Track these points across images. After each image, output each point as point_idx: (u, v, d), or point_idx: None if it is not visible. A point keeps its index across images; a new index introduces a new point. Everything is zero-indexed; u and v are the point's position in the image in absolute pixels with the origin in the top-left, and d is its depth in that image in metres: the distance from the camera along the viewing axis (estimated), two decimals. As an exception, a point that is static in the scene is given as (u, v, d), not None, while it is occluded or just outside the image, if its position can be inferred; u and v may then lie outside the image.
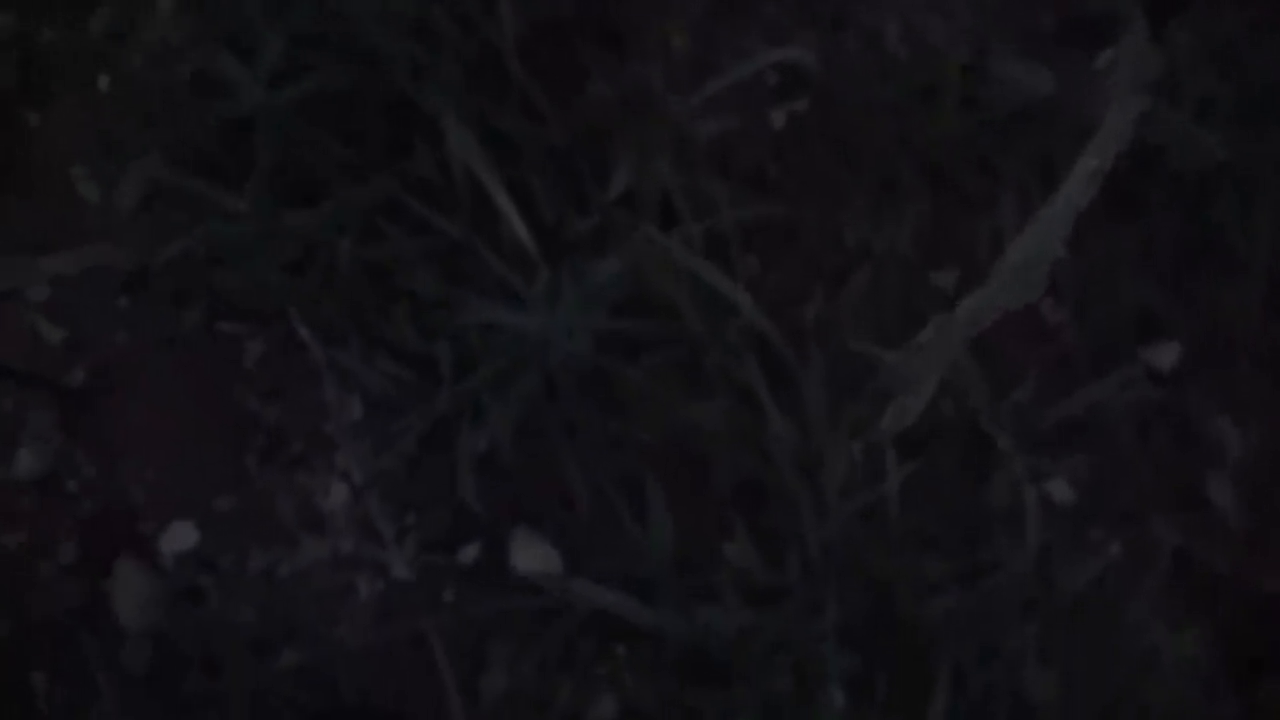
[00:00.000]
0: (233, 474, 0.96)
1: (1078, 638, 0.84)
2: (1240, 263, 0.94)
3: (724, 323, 0.83)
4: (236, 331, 0.98)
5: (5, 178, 1.00)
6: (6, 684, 0.92)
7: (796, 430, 0.88)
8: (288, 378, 0.97)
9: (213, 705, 0.92)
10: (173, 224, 0.94)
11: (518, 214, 0.91)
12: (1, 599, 0.92)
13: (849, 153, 1.00)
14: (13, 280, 0.94)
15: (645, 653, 0.89)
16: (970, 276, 0.92)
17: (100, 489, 0.95)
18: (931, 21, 0.96)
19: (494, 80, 0.95)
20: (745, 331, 0.83)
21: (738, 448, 0.89)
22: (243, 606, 0.94)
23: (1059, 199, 0.84)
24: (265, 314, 0.98)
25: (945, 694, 0.80)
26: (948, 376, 0.85)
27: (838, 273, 0.95)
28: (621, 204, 0.89)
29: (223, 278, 0.96)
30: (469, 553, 0.95)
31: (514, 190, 0.91)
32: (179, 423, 0.96)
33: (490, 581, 0.94)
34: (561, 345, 0.84)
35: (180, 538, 0.94)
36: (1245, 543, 0.91)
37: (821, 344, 0.88)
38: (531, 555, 0.95)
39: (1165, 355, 0.95)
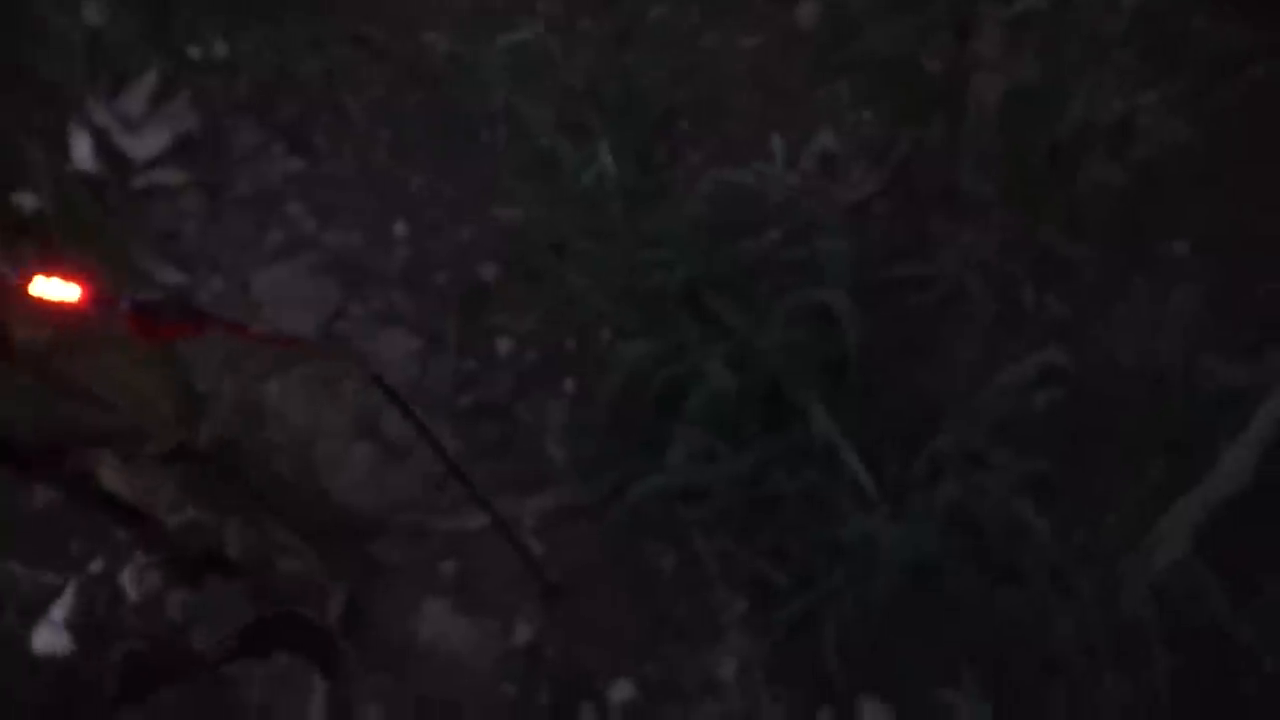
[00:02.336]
0: (657, 651, 1.35)
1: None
2: None
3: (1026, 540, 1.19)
4: (656, 549, 1.40)
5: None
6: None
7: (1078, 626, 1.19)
8: (692, 583, 1.37)
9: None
10: (623, 471, 1.39)
11: (862, 465, 1.31)
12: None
13: (1093, 428, 1.36)
14: (510, 511, 1.39)
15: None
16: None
17: (568, 655, 1.35)
18: (1159, 338, 1.34)
19: (840, 375, 1.38)
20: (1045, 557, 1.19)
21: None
22: (663, 749, 1.30)
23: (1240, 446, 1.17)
24: (676, 535, 1.40)
25: None
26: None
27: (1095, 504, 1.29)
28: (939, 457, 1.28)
29: (646, 506, 1.39)
30: (826, 713, 1.29)
31: (860, 451, 1.32)
32: (622, 613, 1.37)
33: (844, 738, 1.27)
34: (903, 551, 1.21)
35: (623, 692, 1.33)
36: None
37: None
38: (875, 718, 1.28)
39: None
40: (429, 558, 1.44)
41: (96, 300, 0.74)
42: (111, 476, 1.10)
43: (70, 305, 0.73)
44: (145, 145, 1.77)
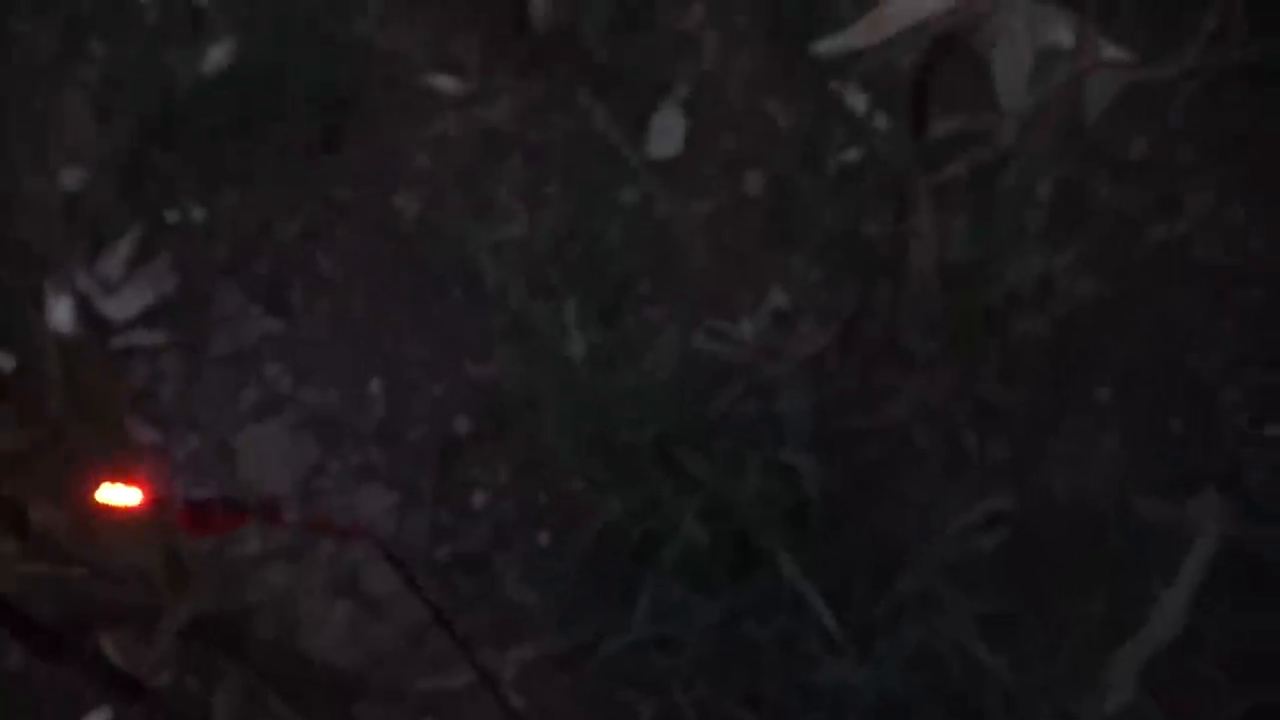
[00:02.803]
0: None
1: None
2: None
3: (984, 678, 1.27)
4: (634, 698, 1.45)
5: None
6: None
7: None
8: (670, 730, 1.42)
9: None
10: (599, 622, 1.45)
11: (828, 610, 1.38)
12: None
13: (1039, 568, 1.47)
14: (490, 663, 1.43)
15: None
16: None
17: None
18: (1091, 479, 1.46)
19: (804, 524, 1.47)
20: (1003, 694, 1.27)
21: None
22: None
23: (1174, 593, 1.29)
24: (653, 684, 1.44)
25: None
26: None
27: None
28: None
29: (623, 656, 1.44)
30: None
31: (825, 593, 1.40)
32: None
33: None
34: (871, 693, 1.27)
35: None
36: None
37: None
38: None
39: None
40: (409, 717, 1.46)
41: (154, 502, 0.79)
42: (114, 650, 1.12)
43: (131, 509, 0.78)
44: (124, 306, 1.83)
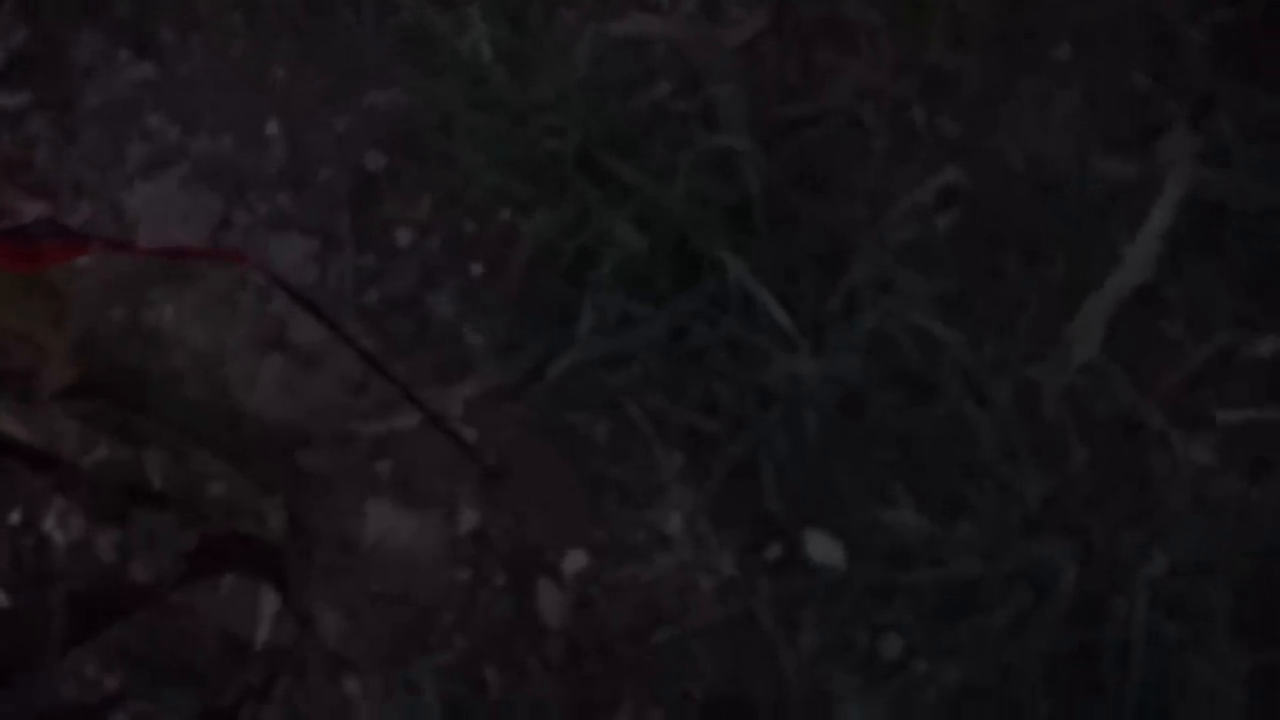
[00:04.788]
0: (602, 517, 1.37)
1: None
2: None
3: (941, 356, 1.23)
4: (587, 419, 1.40)
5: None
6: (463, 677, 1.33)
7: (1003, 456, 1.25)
8: (627, 445, 1.39)
9: (609, 679, 1.31)
10: (543, 347, 1.38)
11: (780, 307, 1.32)
12: (461, 619, 1.34)
13: (995, 241, 1.40)
14: (436, 403, 1.38)
15: (915, 604, 1.26)
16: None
17: (516, 534, 1.36)
18: (1044, 140, 1.36)
19: (747, 220, 1.38)
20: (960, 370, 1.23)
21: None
22: (621, 606, 1.33)
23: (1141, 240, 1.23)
24: (604, 402, 1.40)
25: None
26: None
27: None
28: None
29: (570, 378, 1.39)
30: (774, 551, 1.34)
31: (774, 291, 1.33)
32: (563, 485, 1.38)
33: (792, 569, 1.32)
34: (831, 385, 1.24)
35: (576, 561, 1.35)
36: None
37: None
38: (821, 548, 1.33)
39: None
40: (362, 461, 1.42)
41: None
42: (9, 421, 1.05)
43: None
44: (-26, 67, 1.63)
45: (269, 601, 1.33)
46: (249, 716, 1.26)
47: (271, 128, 1.62)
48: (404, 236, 1.56)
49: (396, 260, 1.55)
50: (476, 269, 1.51)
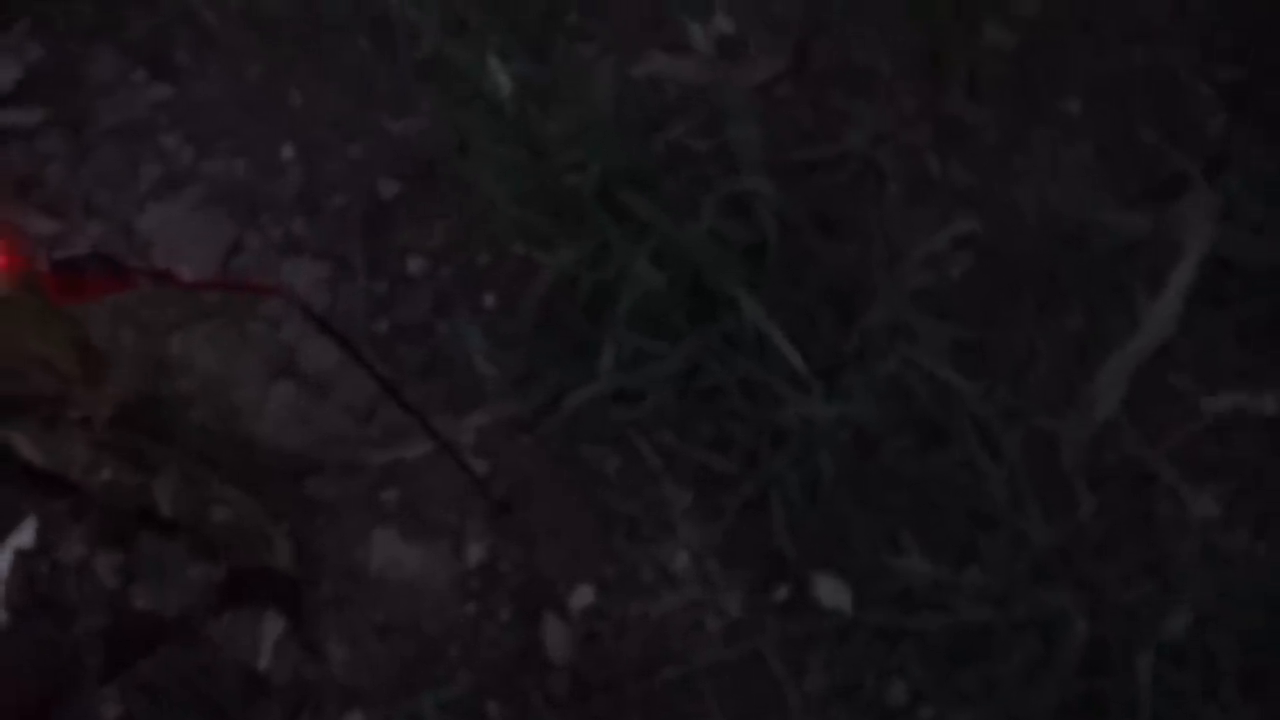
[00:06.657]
0: (611, 552, 1.36)
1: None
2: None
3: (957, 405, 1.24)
4: (598, 454, 1.40)
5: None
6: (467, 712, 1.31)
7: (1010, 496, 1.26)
8: (638, 482, 1.39)
9: (614, 716, 1.30)
10: (557, 380, 1.38)
11: (794, 348, 1.33)
12: (466, 652, 1.33)
13: (1009, 291, 1.41)
14: (446, 432, 1.37)
15: (923, 651, 1.26)
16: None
17: (523, 567, 1.36)
18: (1056, 191, 1.38)
19: (762, 261, 1.39)
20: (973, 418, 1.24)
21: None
22: (628, 643, 1.33)
23: (1165, 298, 1.24)
24: (616, 437, 1.40)
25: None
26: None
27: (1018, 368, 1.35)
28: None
29: (582, 412, 1.39)
30: (782, 592, 1.34)
31: (789, 332, 1.34)
32: (572, 520, 1.37)
33: (800, 611, 1.32)
34: (843, 428, 1.24)
35: (583, 597, 1.34)
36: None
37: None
38: (829, 590, 1.33)
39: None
40: (369, 489, 1.41)
41: (12, 262, 0.67)
42: (27, 446, 1.04)
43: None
44: (-11, 82, 1.62)
45: (269, 633, 1.32)
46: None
47: (286, 152, 1.62)
48: (416, 264, 1.56)
49: (409, 288, 1.55)
50: (490, 300, 1.52)
